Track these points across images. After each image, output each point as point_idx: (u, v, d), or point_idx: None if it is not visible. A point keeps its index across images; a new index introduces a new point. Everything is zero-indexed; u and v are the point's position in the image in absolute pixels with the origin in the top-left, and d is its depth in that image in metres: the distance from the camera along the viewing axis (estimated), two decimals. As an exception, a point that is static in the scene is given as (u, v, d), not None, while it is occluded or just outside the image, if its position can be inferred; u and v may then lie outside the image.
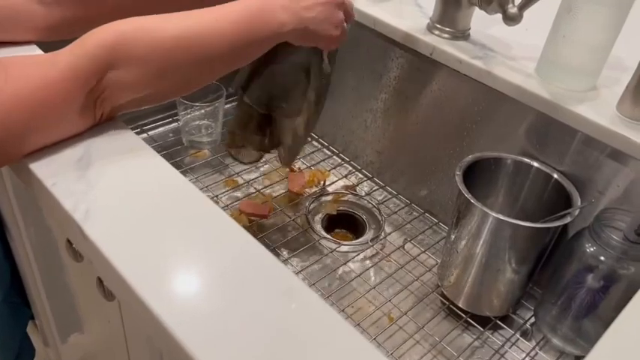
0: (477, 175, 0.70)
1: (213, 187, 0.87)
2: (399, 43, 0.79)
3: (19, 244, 0.78)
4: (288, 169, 0.92)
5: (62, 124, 0.49)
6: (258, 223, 0.82)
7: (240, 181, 0.89)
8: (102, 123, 0.52)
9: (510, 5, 0.68)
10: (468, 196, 0.64)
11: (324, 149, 0.99)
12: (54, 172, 0.46)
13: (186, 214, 0.45)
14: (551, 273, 0.68)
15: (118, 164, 0.48)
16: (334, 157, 0.98)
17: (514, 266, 0.66)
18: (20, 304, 0.87)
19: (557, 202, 0.67)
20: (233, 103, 1.08)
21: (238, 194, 0.87)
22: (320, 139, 1.00)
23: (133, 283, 0.38)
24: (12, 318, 0.79)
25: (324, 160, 0.96)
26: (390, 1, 0.84)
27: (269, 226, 0.82)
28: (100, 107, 0.51)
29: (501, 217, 0.62)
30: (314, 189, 0.89)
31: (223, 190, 0.87)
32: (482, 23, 0.78)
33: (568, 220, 0.63)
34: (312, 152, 0.98)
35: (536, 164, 0.70)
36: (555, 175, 0.68)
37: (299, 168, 0.93)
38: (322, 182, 0.90)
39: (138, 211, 0.44)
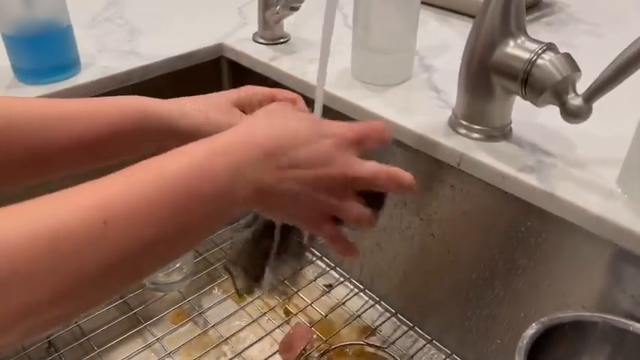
0: (549, 340, 0.45)
1: (176, 354, 0.65)
2: (411, 148, 0.56)
3: None
4: (284, 314, 0.69)
5: None
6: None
7: (215, 337, 0.66)
8: None
9: (572, 95, 0.45)
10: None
11: (332, 271, 0.76)
12: None
13: None
14: None
15: None
16: (346, 282, 0.74)
17: None
18: None
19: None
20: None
21: (212, 362, 0.64)
22: (324, 258, 0.77)
23: None
24: None
25: (330, 292, 0.73)
26: (396, 87, 0.61)
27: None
28: None
29: None
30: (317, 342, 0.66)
31: None
32: (529, 109, 0.54)
33: None
34: (316, 278, 0.75)
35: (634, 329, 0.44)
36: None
37: (295, 306, 0.70)
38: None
39: None
